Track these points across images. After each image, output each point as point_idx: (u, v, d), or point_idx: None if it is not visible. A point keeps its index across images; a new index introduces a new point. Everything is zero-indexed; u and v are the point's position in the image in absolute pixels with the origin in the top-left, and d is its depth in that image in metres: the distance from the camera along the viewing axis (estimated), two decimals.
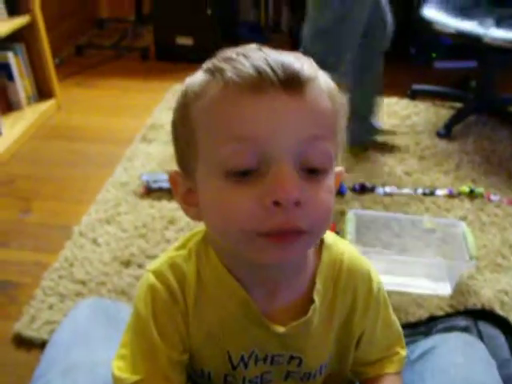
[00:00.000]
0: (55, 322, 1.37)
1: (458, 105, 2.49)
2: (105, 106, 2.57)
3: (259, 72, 0.49)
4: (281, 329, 0.62)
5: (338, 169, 0.60)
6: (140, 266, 1.57)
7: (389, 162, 2.09)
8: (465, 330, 1.22)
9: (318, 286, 0.63)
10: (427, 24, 2.19)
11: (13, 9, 2.24)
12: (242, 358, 0.64)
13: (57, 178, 2.03)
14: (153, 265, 0.64)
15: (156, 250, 1.62)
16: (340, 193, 1.87)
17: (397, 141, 2.22)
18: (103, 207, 1.81)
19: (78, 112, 2.52)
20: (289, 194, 0.49)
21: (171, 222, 1.73)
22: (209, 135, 0.52)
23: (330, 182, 0.54)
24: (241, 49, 0.54)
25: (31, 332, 1.36)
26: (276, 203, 0.49)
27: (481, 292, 1.51)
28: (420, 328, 1.29)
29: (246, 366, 0.65)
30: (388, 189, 1.92)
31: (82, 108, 2.55)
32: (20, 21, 2.24)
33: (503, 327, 1.22)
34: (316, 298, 0.63)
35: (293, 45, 3.17)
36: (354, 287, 0.66)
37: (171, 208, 1.78)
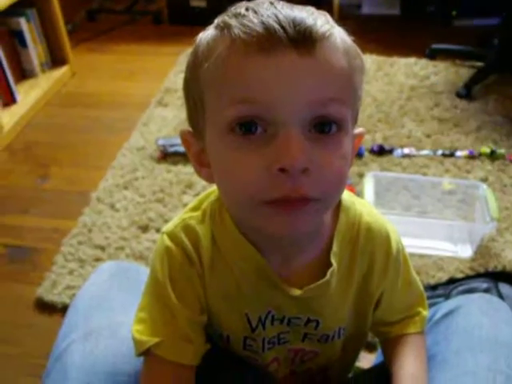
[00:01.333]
0: (75, 287, 1.39)
1: (479, 64, 2.42)
2: (119, 71, 2.55)
3: (267, 29, 0.46)
4: (297, 292, 0.60)
5: (358, 130, 0.58)
6: (158, 230, 1.57)
7: (407, 123, 2.05)
8: (486, 291, 1.21)
9: (335, 248, 0.61)
10: None
11: None
12: (260, 319, 0.64)
13: (73, 145, 2.03)
14: (167, 227, 0.63)
15: (173, 215, 1.62)
16: (358, 154, 1.85)
17: (416, 102, 2.17)
18: (120, 172, 1.81)
19: (92, 78, 2.50)
20: (295, 160, 0.46)
21: (188, 186, 1.73)
22: (215, 96, 0.50)
23: (345, 147, 0.51)
24: (252, 3, 0.50)
25: (53, 296, 1.38)
26: (282, 170, 0.47)
27: (502, 254, 1.49)
28: (440, 290, 1.29)
29: (263, 327, 0.64)
30: (407, 150, 1.88)
31: (96, 74, 2.53)
32: None
33: None
34: (333, 261, 0.61)
35: (305, 4, 3.10)
36: (372, 249, 0.64)
37: (188, 172, 1.77)
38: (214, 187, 0.62)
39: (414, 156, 1.87)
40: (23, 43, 2.29)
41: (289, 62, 0.46)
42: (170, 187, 1.73)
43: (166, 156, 1.86)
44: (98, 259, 1.48)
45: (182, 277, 0.61)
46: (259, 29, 0.47)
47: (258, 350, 0.67)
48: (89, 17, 3.10)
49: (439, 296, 1.22)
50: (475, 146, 1.92)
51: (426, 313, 0.72)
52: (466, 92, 2.22)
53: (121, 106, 2.25)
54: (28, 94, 2.25)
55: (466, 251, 1.51)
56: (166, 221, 1.59)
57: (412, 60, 2.49)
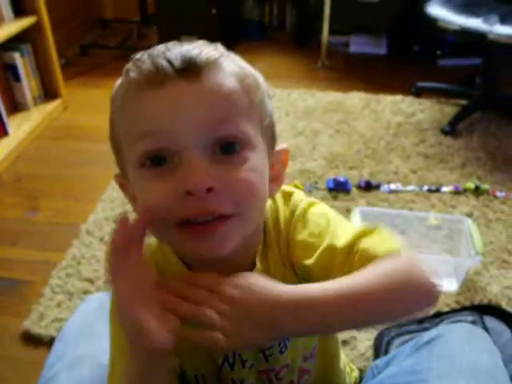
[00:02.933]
0: (63, 320, 1.38)
1: (463, 102, 2.49)
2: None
3: (156, 65, 0.51)
4: None
5: (281, 146, 0.61)
6: None
7: (394, 159, 2.09)
8: (471, 324, 1.22)
9: (260, 250, 0.63)
10: (432, 21, 2.19)
11: (19, 9, 2.26)
12: (226, 359, 0.64)
13: (64, 177, 2.05)
14: None
15: None
16: (345, 190, 1.88)
17: (402, 138, 2.22)
18: (110, 205, 1.82)
19: (84, 112, 2.53)
20: (198, 182, 0.50)
21: None
22: (124, 136, 0.55)
23: (254, 161, 0.54)
24: (151, 49, 0.56)
25: (39, 329, 1.38)
26: (189, 193, 0.50)
27: (487, 288, 1.51)
28: (426, 324, 1.30)
29: (231, 366, 0.65)
30: (393, 186, 1.92)
31: (87, 108, 2.57)
32: (26, 21, 2.26)
33: (510, 322, 1.22)
34: (257, 261, 0.62)
35: (296, 44, 3.18)
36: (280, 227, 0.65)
37: None
38: None
39: (400, 191, 1.90)
40: (17, 77, 2.32)
41: (178, 91, 0.51)
42: None
43: None
44: (86, 292, 1.48)
45: None
46: (149, 67, 0.52)
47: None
48: (82, 51, 3.15)
49: (425, 329, 1.23)
50: (460, 182, 1.96)
51: (368, 242, 0.63)
52: (451, 129, 2.27)
53: None
54: (20, 127, 2.28)
55: (451, 285, 1.53)
56: None
57: (398, 97, 2.55)
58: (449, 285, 1.53)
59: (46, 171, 2.10)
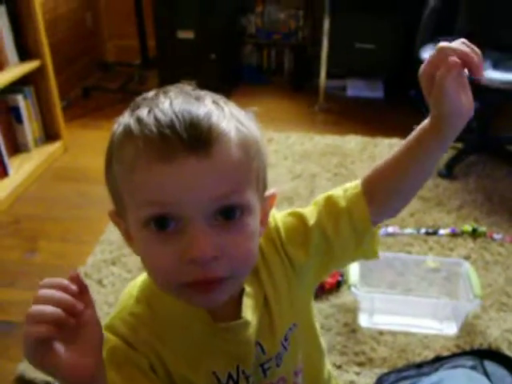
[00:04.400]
0: None
1: (459, 145, 2.52)
2: None
3: (164, 139, 0.51)
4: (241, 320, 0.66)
5: (270, 192, 0.64)
6: None
7: None
8: (471, 369, 1.22)
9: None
10: None
11: (24, 53, 2.31)
12: (230, 376, 0.67)
13: (62, 219, 2.06)
14: (105, 322, 0.65)
15: None
16: None
17: None
18: (108, 248, 1.82)
19: (84, 154, 2.56)
20: (203, 253, 0.52)
21: None
22: (128, 196, 0.56)
23: (251, 226, 0.57)
24: (153, 103, 0.55)
25: (34, 374, 1.36)
26: (193, 261, 0.53)
27: (487, 332, 1.50)
28: (425, 368, 1.29)
29: (236, 382, 0.67)
30: (391, 229, 1.93)
31: (88, 150, 2.59)
32: (30, 65, 2.31)
33: (510, 367, 1.21)
34: (246, 285, 0.67)
35: (294, 87, 3.24)
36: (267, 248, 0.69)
37: None
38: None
39: (398, 235, 1.91)
40: (19, 119, 2.36)
41: (188, 167, 0.51)
42: None
43: None
44: None
45: (129, 366, 0.62)
46: (157, 139, 0.51)
47: None
48: (84, 94, 3.20)
49: (424, 374, 1.22)
50: (457, 224, 1.97)
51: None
52: (448, 172, 2.29)
53: None
54: (20, 168, 2.30)
55: (450, 329, 1.52)
56: None
57: (395, 141, 2.59)
58: (448, 328, 1.53)
59: (46, 213, 2.11)
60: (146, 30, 3.27)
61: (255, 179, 0.57)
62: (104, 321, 0.62)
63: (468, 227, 1.93)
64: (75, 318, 0.54)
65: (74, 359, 0.52)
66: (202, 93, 0.58)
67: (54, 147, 2.51)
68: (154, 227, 0.54)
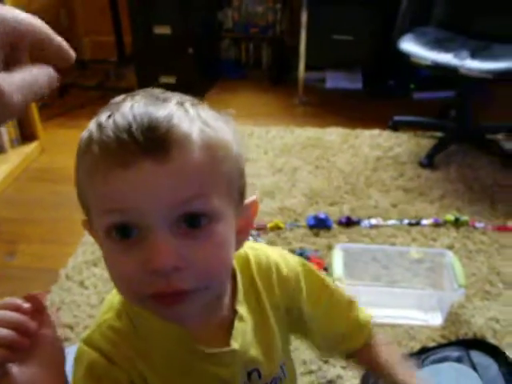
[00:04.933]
0: None
1: (439, 134, 2.53)
2: None
3: (121, 144, 0.49)
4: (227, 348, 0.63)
5: (250, 200, 0.61)
6: None
7: (374, 194, 2.11)
8: (457, 360, 1.21)
9: (240, 297, 0.65)
10: (404, 56, 2.24)
11: None
12: None
13: (42, 221, 2.02)
14: (83, 336, 0.63)
15: None
16: (326, 227, 1.88)
17: (381, 173, 2.25)
18: (90, 249, 1.79)
19: (62, 154, 2.51)
20: (164, 263, 0.50)
21: None
22: (90, 201, 0.54)
23: (221, 235, 0.54)
24: (116, 106, 0.53)
25: None
26: (155, 271, 0.50)
27: (471, 321, 1.51)
28: (411, 360, 1.28)
29: None
30: (374, 221, 1.93)
31: (65, 150, 2.51)
32: None
33: (496, 356, 1.21)
34: (239, 307, 0.65)
35: (273, 81, 3.22)
36: (267, 279, 0.69)
37: None
38: None
39: (381, 226, 1.91)
40: None
41: (145, 172, 0.49)
42: None
43: None
44: (66, 339, 1.44)
45: (107, 378, 0.60)
46: (114, 144, 0.49)
47: None
48: (60, 92, 3.15)
49: None
50: (440, 214, 1.97)
51: (365, 316, 0.80)
52: (429, 162, 2.30)
53: None
54: None
55: (436, 319, 1.53)
56: None
57: (376, 132, 2.59)
58: (433, 319, 1.53)
59: (24, 214, 2.07)
60: (121, 26, 3.23)
61: (225, 185, 0.54)
62: (87, 320, 0.60)
63: (450, 217, 1.93)
64: (30, 338, 0.52)
65: (32, 380, 0.51)
66: (170, 95, 0.55)
67: (30, 148, 2.46)
68: (117, 236, 0.52)
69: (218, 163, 0.53)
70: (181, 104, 0.53)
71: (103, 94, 3.13)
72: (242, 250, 0.66)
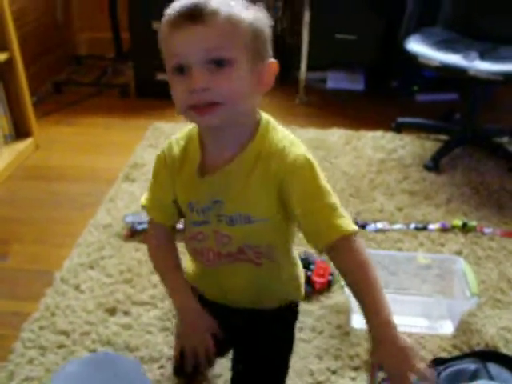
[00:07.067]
0: (35, 379, 1.28)
1: (443, 137, 2.48)
2: (85, 144, 2.50)
3: (178, 14, 0.83)
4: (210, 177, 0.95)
5: (271, 60, 0.91)
6: (126, 313, 1.48)
7: (379, 197, 2.05)
8: (475, 373, 1.17)
9: (244, 154, 0.93)
10: (412, 57, 2.18)
11: None
12: (190, 204, 0.99)
13: (36, 221, 1.95)
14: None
15: (143, 296, 1.53)
16: None
17: (385, 175, 2.19)
18: (86, 251, 1.73)
19: (57, 151, 2.44)
20: (197, 85, 0.82)
21: None
22: (164, 53, 0.88)
23: (239, 74, 0.84)
24: None
25: None
26: (193, 90, 0.83)
27: (483, 330, 1.46)
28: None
29: (192, 209, 0.99)
30: (380, 225, 1.87)
31: (60, 147, 2.48)
32: None
33: None
34: (236, 160, 0.93)
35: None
36: (272, 158, 0.91)
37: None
38: None
39: (387, 230, 1.86)
40: None
41: (188, 30, 0.82)
42: (139, 266, 1.65)
43: (134, 234, 1.79)
44: (61, 346, 1.37)
45: (159, 172, 1.02)
46: (173, 14, 0.84)
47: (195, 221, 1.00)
48: (55, 89, 3.07)
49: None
50: (447, 218, 1.92)
51: (342, 220, 0.92)
52: (434, 165, 2.25)
53: (86, 181, 2.19)
54: None
55: (446, 328, 1.47)
56: (135, 303, 1.51)
57: (379, 133, 2.53)
58: (444, 327, 1.48)
59: (17, 214, 1.99)
60: (119, 22, 3.16)
61: (242, 44, 0.84)
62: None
63: (458, 222, 1.88)
64: None
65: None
66: None
67: (24, 145, 2.39)
68: (175, 73, 0.86)
69: (236, 30, 0.84)
70: None
71: (99, 91, 3.07)
72: (267, 132, 0.95)
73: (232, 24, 0.82)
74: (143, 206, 1.04)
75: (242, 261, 0.99)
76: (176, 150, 0.98)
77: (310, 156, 0.93)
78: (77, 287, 1.58)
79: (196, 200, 0.96)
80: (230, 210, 0.94)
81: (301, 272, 1.14)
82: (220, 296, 1.08)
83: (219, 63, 0.82)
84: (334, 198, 0.92)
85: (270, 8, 3.14)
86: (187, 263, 1.12)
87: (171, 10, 0.83)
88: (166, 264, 1.07)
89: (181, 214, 1.05)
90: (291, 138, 0.95)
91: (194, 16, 0.80)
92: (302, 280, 1.15)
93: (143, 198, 1.04)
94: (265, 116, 0.97)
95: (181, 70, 0.83)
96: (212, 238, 0.98)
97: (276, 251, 1.00)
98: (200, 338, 1.01)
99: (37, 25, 2.99)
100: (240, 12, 0.84)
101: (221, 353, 1.13)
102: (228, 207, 0.94)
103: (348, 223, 0.90)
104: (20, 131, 2.42)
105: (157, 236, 1.07)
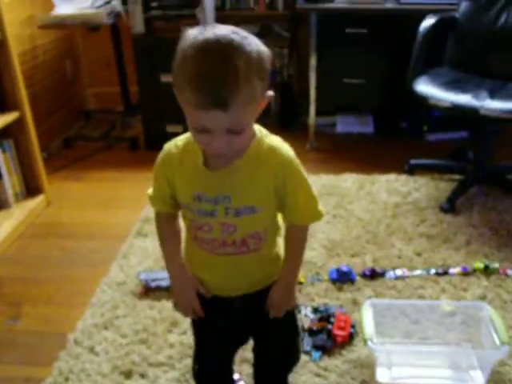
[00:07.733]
0: None
1: (457, 177, 2.45)
2: (96, 199, 2.49)
3: (205, 99, 0.84)
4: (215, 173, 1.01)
5: (269, 93, 0.94)
6: (142, 375, 1.43)
7: (396, 242, 2.01)
8: None
9: (249, 152, 0.99)
10: (421, 99, 2.17)
11: (2, 105, 2.21)
12: (197, 195, 1.03)
13: (48, 280, 1.91)
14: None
15: (159, 357, 1.48)
16: (350, 280, 1.77)
17: (402, 219, 2.15)
18: (99, 311, 1.68)
19: (68, 207, 2.43)
20: (218, 151, 0.91)
21: (173, 324, 1.60)
22: (187, 113, 0.91)
23: (247, 134, 0.94)
24: (201, 40, 0.86)
25: None
26: (214, 152, 0.94)
27: None
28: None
29: (200, 200, 1.03)
30: (399, 271, 1.82)
31: (72, 203, 2.47)
32: (9, 117, 2.20)
33: None
34: (239, 161, 0.99)
35: (282, 126, 3.15)
36: (272, 160, 1.00)
37: (172, 308, 1.66)
38: None
39: (407, 277, 1.81)
40: None
41: (215, 114, 0.85)
42: (154, 325, 1.60)
43: (149, 291, 1.75)
44: None
45: (160, 170, 1.06)
46: (201, 97, 0.85)
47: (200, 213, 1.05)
48: (65, 144, 3.09)
49: None
50: (467, 262, 1.87)
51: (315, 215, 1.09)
52: (450, 206, 2.21)
53: (98, 237, 2.17)
54: (0, 227, 2.16)
55: (477, 379, 1.41)
56: (151, 364, 1.46)
57: (392, 176, 2.51)
58: (474, 379, 1.41)
59: (28, 273, 1.97)
60: (127, 76, 3.20)
61: (256, 99, 0.90)
62: None
63: (479, 264, 1.83)
64: None
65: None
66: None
67: (35, 202, 2.38)
68: (200, 130, 0.90)
69: (253, 92, 0.88)
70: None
71: (109, 144, 3.08)
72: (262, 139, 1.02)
73: (252, 106, 0.90)
74: (149, 198, 1.11)
75: (244, 253, 1.08)
76: (174, 150, 1.04)
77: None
78: (91, 349, 1.53)
79: (203, 191, 1.02)
80: (237, 204, 1.01)
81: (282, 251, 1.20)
82: (221, 282, 1.14)
83: (235, 132, 0.90)
84: (312, 188, 1.07)
85: (277, 54, 3.17)
86: (187, 256, 1.18)
87: (196, 89, 0.86)
88: (169, 231, 1.16)
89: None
90: (279, 140, 1.05)
91: (220, 104, 0.85)
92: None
93: (149, 190, 1.11)
94: (255, 126, 1.04)
95: (202, 130, 0.90)
96: (218, 229, 1.05)
97: (270, 233, 1.10)
98: (188, 299, 1.14)
99: (47, 82, 3.04)
100: (255, 66, 0.88)
101: (240, 342, 1.29)
102: (236, 201, 1.01)
103: (315, 215, 1.09)
104: (31, 188, 2.43)
105: (165, 217, 1.14)
